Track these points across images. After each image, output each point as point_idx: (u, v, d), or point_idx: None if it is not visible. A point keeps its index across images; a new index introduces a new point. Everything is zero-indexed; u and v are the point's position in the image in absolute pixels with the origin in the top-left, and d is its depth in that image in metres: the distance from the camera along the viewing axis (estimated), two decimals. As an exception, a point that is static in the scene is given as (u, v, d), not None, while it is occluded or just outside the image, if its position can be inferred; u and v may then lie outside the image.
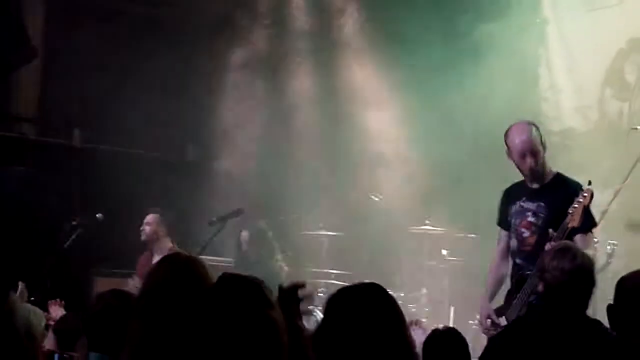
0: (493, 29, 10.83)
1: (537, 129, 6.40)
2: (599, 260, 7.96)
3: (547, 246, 5.71)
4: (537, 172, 6.32)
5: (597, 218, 7.60)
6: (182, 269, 3.66)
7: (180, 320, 3.18)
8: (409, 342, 3.47)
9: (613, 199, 7.74)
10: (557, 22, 11.47)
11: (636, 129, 7.82)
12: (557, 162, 10.09)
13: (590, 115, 11.06)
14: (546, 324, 4.72)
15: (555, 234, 5.79)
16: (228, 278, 3.09)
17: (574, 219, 5.72)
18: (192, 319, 2.92)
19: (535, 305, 5.60)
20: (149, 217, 9.43)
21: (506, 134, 6.46)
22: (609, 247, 8.11)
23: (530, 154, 6.29)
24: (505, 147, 6.46)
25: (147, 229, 9.41)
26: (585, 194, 5.77)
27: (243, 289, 3.02)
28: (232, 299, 2.98)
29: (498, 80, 10.75)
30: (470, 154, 10.31)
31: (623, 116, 10.71)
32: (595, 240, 7.67)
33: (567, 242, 5.19)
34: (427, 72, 10.68)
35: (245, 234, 9.49)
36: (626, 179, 7.68)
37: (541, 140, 6.38)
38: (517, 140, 6.34)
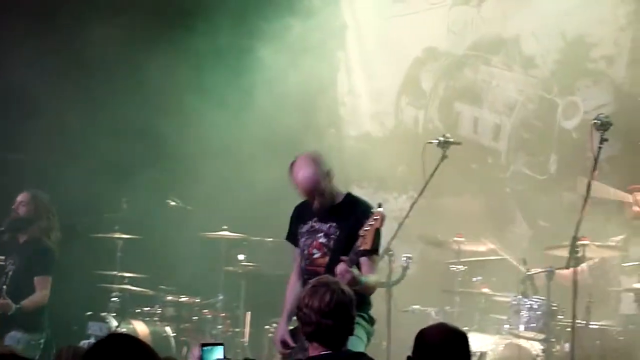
0: (292, 29, 10.86)
1: (320, 161, 6.28)
2: (396, 274, 8.10)
3: (339, 266, 5.72)
4: (324, 204, 6.27)
5: (394, 230, 7.81)
6: None
7: None
8: None
9: (409, 212, 7.83)
10: (356, 27, 11.61)
11: (431, 142, 7.91)
12: (354, 167, 10.33)
13: (386, 122, 11.26)
14: None
15: (347, 258, 5.79)
16: None
17: (365, 242, 5.69)
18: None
19: None
20: None
21: (290, 168, 6.32)
22: (404, 260, 8.23)
23: (317, 193, 6.25)
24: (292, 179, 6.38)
25: None
26: (377, 217, 5.73)
27: None
28: None
29: (295, 83, 10.78)
30: (267, 161, 10.28)
31: (418, 123, 10.95)
32: (391, 252, 7.83)
33: (325, 277, 5.10)
34: (217, 72, 10.63)
35: (23, 196, 8.91)
36: (422, 192, 7.78)
37: (326, 173, 6.29)
38: (301, 179, 6.21)
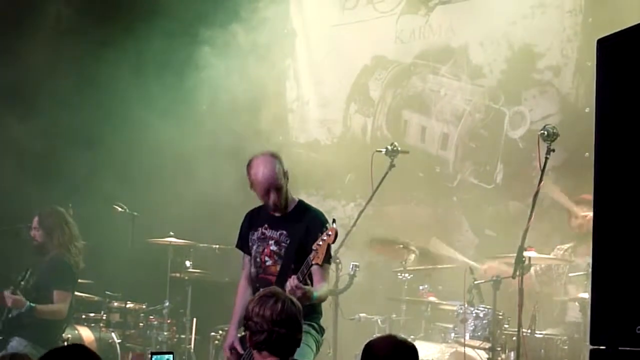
0: (239, 36, 10.84)
1: (280, 160, 6.32)
2: (343, 282, 8.11)
3: (290, 281, 5.72)
4: (280, 205, 6.25)
5: (342, 236, 7.82)
6: None
7: None
8: None
9: (357, 220, 7.88)
10: (305, 35, 11.62)
11: (379, 151, 7.98)
12: (302, 175, 10.30)
13: (335, 129, 11.27)
14: None
15: (299, 270, 5.80)
16: None
17: (318, 257, 5.69)
18: None
19: None
20: None
21: (249, 167, 6.27)
22: (351, 267, 8.25)
23: (275, 189, 6.20)
24: (248, 180, 6.34)
25: None
26: (330, 233, 5.75)
27: None
28: None
29: (244, 89, 10.77)
30: (214, 168, 10.27)
31: (367, 131, 10.98)
32: (338, 260, 7.86)
33: (273, 288, 5.09)
34: (163, 78, 10.59)
35: (34, 221, 8.83)
36: (370, 200, 7.84)
37: (284, 172, 6.30)
38: (260, 175, 6.17)
